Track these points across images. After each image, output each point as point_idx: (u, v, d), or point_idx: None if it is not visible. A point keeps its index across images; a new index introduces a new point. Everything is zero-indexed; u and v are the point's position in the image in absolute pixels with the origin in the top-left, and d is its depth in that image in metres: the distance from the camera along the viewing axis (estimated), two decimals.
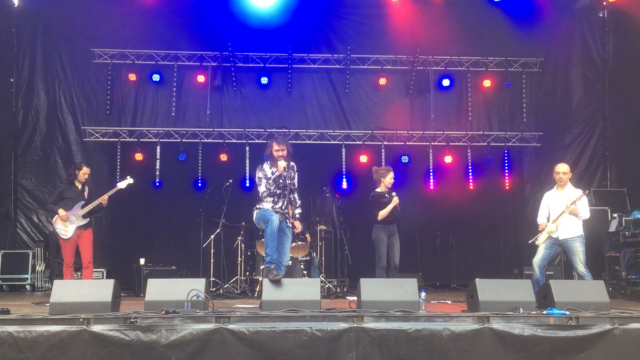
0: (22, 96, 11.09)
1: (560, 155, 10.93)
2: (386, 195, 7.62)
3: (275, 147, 6.30)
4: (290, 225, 6.44)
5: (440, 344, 4.81)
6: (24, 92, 11.09)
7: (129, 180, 7.78)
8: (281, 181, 6.26)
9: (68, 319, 4.87)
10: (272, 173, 6.27)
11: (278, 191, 6.29)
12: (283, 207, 6.33)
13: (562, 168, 6.97)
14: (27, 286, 10.21)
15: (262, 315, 5.13)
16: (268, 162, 6.39)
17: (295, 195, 6.52)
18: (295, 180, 6.51)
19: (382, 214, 7.49)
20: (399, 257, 7.54)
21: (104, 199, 7.54)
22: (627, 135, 10.96)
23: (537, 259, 6.81)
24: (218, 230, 9.08)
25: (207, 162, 11.07)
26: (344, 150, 11.22)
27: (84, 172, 7.69)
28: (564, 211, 6.71)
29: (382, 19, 11.26)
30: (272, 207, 6.25)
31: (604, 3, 11.17)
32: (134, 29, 11.05)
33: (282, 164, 6.20)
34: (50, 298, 5.42)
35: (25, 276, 10.25)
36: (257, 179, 6.37)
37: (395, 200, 7.49)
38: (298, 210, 6.54)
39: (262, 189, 6.28)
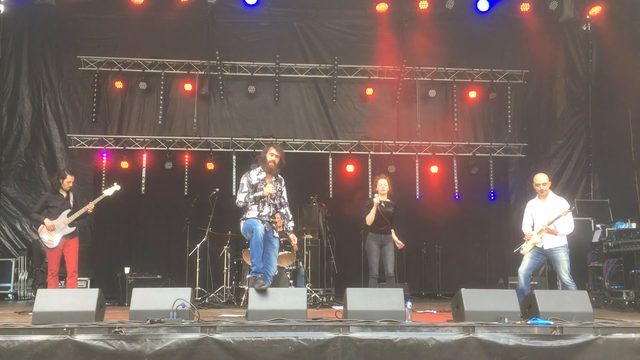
0: (7, 103, 10.99)
1: (544, 166, 11.05)
2: (383, 204, 7.48)
3: (272, 150, 6.31)
4: (277, 236, 6.42)
5: (426, 353, 4.82)
6: (8, 99, 10.99)
7: (116, 186, 7.69)
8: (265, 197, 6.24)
9: (51, 329, 4.80)
10: (257, 179, 6.26)
11: (263, 198, 6.29)
12: (270, 214, 6.31)
13: (541, 179, 6.97)
14: (10, 295, 10.07)
15: (248, 324, 5.11)
16: (257, 167, 6.39)
17: (287, 209, 6.50)
18: (285, 194, 6.49)
19: (369, 218, 7.40)
20: (392, 267, 7.44)
21: (90, 206, 7.46)
22: (610, 146, 11.12)
23: (523, 269, 6.85)
24: (204, 239, 9.05)
25: (194, 170, 11.05)
26: (330, 159, 11.26)
27: (68, 181, 7.58)
28: (540, 230, 6.77)
29: (370, 30, 11.35)
30: (259, 215, 6.23)
31: (587, 17, 11.36)
32: (120, 37, 11.04)
33: (268, 189, 6.15)
34: (34, 307, 5.35)
35: (8, 285, 10.11)
36: (240, 185, 6.35)
37: (375, 201, 7.39)
38: (291, 224, 6.53)
39: (240, 197, 6.22)
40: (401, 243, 7.48)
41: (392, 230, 7.52)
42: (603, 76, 11.39)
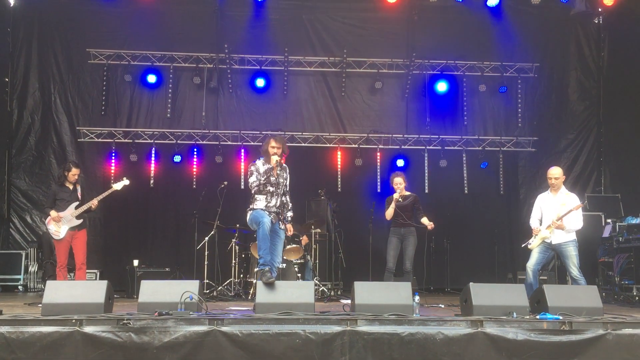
0: (17, 96, 11.03)
1: (554, 160, 10.94)
2: (400, 199, 7.74)
3: (272, 143, 6.36)
4: (283, 227, 6.44)
5: (434, 347, 4.81)
6: (18, 92, 11.03)
7: (125, 181, 7.73)
8: (273, 179, 6.28)
9: (60, 320, 4.84)
10: (265, 168, 6.33)
11: (271, 189, 6.30)
12: (277, 206, 6.34)
13: (555, 173, 6.95)
14: (20, 287, 10.14)
15: (256, 317, 5.12)
16: (262, 159, 6.44)
17: (287, 197, 6.53)
18: (287, 182, 6.53)
19: (388, 213, 7.69)
20: (409, 262, 7.61)
21: (93, 203, 7.47)
22: (621, 141, 11.02)
23: (531, 264, 6.82)
24: (212, 232, 9.07)
25: (202, 164, 11.07)
26: (339, 153, 11.23)
27: (74, 173, 7.60)
28: (549, 225, 6.72)
29: (379, 23, 11.28)
30: (266, 206, 6.26)
31: (599, 10, 11.23)
32: (129, 30, 11.03)
33: (275, 157, 6.27)
34: (43, 299, 5.40)
35: (18, 277, 10.18)
36: (249, 172, 6.44)
37: (395, 196, 7.66)
38: (290, 214, 6.56)
39: (252, 179, 6.33)
40: (431, 224, 7.67)
41: (425, 217, 7.74)
42: (615, 69, 11.26)
